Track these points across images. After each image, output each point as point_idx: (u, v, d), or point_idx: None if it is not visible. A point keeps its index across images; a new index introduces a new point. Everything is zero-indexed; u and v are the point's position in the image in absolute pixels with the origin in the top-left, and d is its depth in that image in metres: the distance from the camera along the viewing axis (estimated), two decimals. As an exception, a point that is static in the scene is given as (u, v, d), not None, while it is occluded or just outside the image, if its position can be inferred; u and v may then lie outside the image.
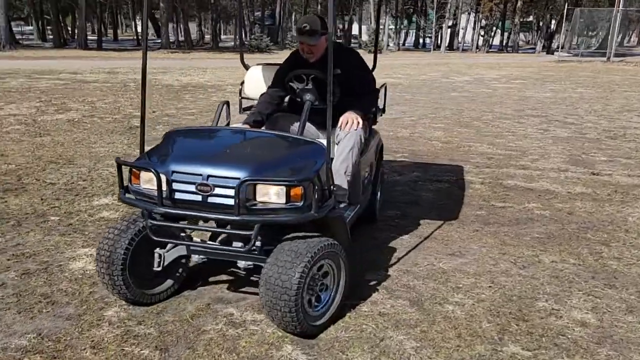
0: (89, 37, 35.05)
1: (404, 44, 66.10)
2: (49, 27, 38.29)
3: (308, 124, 3.45)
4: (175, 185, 2.45)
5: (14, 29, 33.58)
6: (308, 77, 3.08)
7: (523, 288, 3.14)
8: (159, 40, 35.67)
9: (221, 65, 21.88)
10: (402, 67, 24.98)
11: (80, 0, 29.25)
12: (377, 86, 3.87)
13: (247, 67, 4.17)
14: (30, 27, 48.13)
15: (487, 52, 48.19)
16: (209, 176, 2.40)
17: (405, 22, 65.78)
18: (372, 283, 3.14)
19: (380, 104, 4.42)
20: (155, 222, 2.50)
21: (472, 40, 51.34)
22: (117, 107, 9.79)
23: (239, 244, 2.68)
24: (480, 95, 14.00)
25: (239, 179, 2.35)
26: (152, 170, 2.42)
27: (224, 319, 2.67)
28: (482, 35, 52.17)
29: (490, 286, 3.15)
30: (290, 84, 3.25)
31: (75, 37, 31.97)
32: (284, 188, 2.40)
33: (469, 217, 4.37)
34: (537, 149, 7.10)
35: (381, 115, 4.50)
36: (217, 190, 2.40)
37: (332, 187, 2.61)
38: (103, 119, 8.51)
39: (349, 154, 3.16)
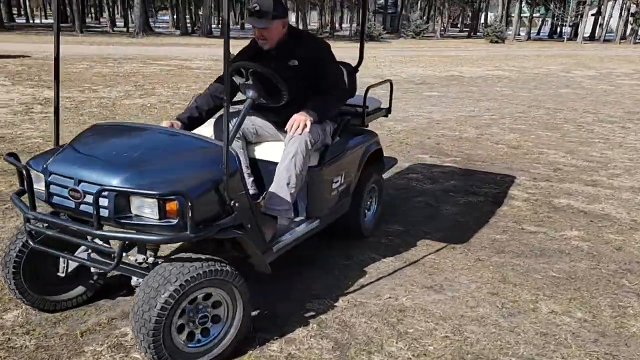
0: (215, 26, 36.80)
1: (538, 33, 61.33)
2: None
3: (267, 125, 3.08)
4: (52, 188, 2.23)
5: (160, 17, 36.28)
6: (247, 70, 2.68)
7: (489, 345, 2.50)
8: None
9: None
10: (520, 58, 23.04)
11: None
12: (380, 81, 3.41)
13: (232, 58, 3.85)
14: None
15: (635, 42, 42.88)
16: (80, 181, 2.14)
17: (542, 9, 60.82)
18: (308, 314, 2.71)
19: (384, 103, 3.91)
20: (31, 226, 2.31)
21: (617, 29, 45.98)
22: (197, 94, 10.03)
23: (135, 258, 2.40)
24: (596, 92, 12.34)
25: (100, 185, 2.07)
26: (24, 169, 2.22)
27: (114, 340, 2.42)
28: (630, 24, 46.52)
29: (447, 336, 2.55)
30: (233, 78, 2.87)
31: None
32: (155, 201, 2.07)
33: (483, 241, 3.68)
34: (625, 162, 5.95)
35: (386, 116, 3.97)
36: (88, 198, 2.13)
37: (232, 202, 2.22)
38: (174, 106, 8.73)
39: (291, 162, 2.73)
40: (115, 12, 46.69)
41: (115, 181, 2.09)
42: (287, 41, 2.96)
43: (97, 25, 43.24)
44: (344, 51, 23.63)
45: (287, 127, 2.81)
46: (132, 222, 2.11)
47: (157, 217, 2.08)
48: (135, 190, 2.05)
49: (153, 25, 40.13)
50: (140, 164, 2.18)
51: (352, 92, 3.46)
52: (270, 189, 2.76)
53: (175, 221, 2.08)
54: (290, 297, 2.85)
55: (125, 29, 35.21)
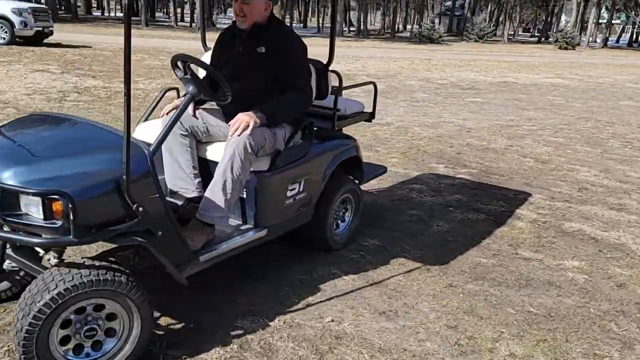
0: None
1: (617, 41, 57.87)
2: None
3: (220, 124, 2.88)
4: None
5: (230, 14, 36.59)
6: (185, 63, 2.50)
7: (421, 388, 2.19)
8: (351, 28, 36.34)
9: (396, 56, 21.42)
10: (587, 66, 21.69)
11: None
12: (360, 82, 3.12)
13: (207, 50, 3.68)
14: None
15: None
16: None
17: (623, 16, 57.27)
18: (235, 332, 2.49)
19: (368, 107, 3.63)
20: None
21: None
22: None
23: (48, 257, 2.27)
24: (660, 106, 11.33)
25: (-10, 179, 1.94)
26: None
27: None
28: None
29: (377, 373, 2.27)
30: (174, 70, 2.67)
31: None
32: (39, 200, 1.92)
33: (464, 265, 3.33)
34: (666, 185, 5.32)
35: (369, 121, 3.69)
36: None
37: (136, 205, 2.05)
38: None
39: (227, 165, 2.52)
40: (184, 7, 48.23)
41: (4, 175, 1.96)
42: (262, 26, 2.77)
43: (164, 20, 44.73)
44: (400, 52, 23.35)
45: (230, 127, 2.61)
46: (21, 221, 1.98)
47: (42, 217, 1.93)
48: (14, 187, 1.91)
49: (217, 21, 41.10)
50: (35, 159, 2.05)
51: (323, 93, 3.21)
52: (205, 194, 2.57)
53: (59, 223, 1.92)
54: (223, 312, 2.65)
55: (189, 24, 36.15)
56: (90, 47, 16.96)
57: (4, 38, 15.37)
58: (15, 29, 15.36)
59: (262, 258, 3.20)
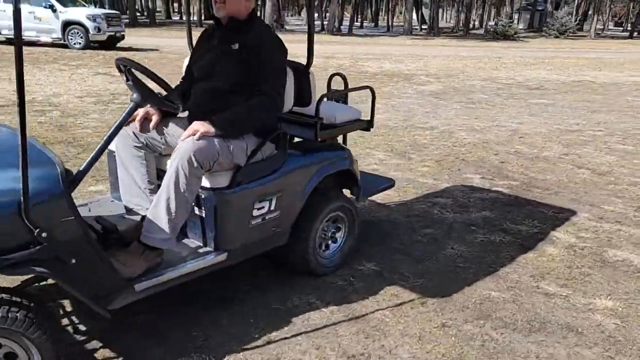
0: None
1: None
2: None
3: (181, 133, 2.60)
4: None
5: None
6: (125, 68, 2.24)
7: None
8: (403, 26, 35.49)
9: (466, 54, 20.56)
10: (681, 63, 19.61)
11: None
12: (355, 87, 2.85)
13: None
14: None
15: None
16: None
17: None
18: (173, 371, 2.21)
19: (366, 114, 3.24)
20: None
21: None
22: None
23: None
24: None
25: None
26: None
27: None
28: None
29: None
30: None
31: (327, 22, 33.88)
32: None
33: (470, 299, 2.85)
34: None
35: (367, 130, 3.30)
36: None
37: (40, 231, 1.81)
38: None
39: (170, 181, 2.24)
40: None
41: None
42: (240, 21, 2.50)
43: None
44: (470, 50, 22.49)
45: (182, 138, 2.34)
46: None
47: None
48: None
49: (289, 22, 41.53)
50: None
51: (305, 100, 2.86)
52: (148, 214, 2.31)
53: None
54: (171, 345, 2.37)
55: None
56: (157, 50, 17.50)
57: (80, 43, 16.20)
58: (89, 34, 16.15)
59: (236, 280, 2.90)
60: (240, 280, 2.92)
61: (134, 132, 2.53)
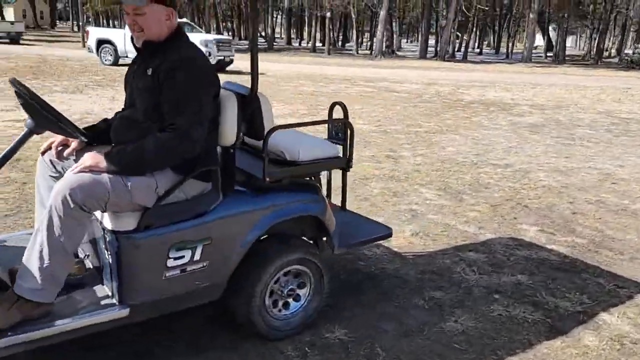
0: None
1: None
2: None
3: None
4: None
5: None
6: (20, 90, 1.98)
7: None
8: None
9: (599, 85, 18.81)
10: None
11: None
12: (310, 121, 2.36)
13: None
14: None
15: None
16: None
17: None
18: None
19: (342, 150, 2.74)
20: None
21: None
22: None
23: None
24: None
25: None
26: None
27: None
28: None
29: None
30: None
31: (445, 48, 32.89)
32: None
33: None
34: None
35: (347, 170, 2.78)
36: None
37: None
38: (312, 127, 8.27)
39: (43, 225, 1.93)
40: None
41: None
42: (156, 43, 2.18)
43: (347, 48, 46.23)
44: (594, 80, 20.71)
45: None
46: None
47: None
48: None
49: (403, 48, 41.15)
50: None
51: (258, 132, 2.42)
52: (23, 258, 2.01)
53: None
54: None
55: (369, 51, 36.72)
56: (263, 73, 18.00)
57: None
58: (200, 58, 17.11)
59: (167, 333, 2.52)
60: (175, 333, 2.53)
61: (51, 160, 2.29)
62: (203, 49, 16.60)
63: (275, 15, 57.49)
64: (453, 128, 8.88)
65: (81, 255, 2.37)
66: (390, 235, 3.02)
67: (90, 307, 2.12)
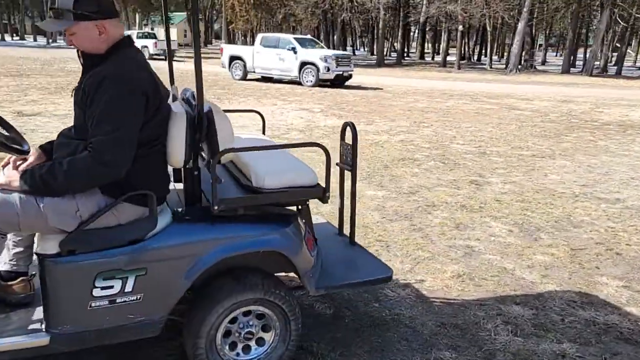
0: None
1: None
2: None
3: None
4: None
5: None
6: None
7: None
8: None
9: None
10: None
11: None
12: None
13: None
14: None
15: None
16: None
17: None
18: None
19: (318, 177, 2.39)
20: None
21: None
22: (446, 138, 8.76)
23: None
24: None
25: None
26: None
27: None
28: None
29: None
30: None
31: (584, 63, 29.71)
32: None
33: None
34: None
35: (323, 201, 2.43)
36: None
37: None
38: (410, 143, 7.83)
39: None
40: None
41: None
42: (94, 56, 2.05)
43: (481, 62, 43.89)
44: None
45: None
46: None
47: None
48: None
49: (548, 62, 38.02)
50: None
51: (213, 151, 2.17)
52: None
53: None
54: None
55: (504, 66, 34.53)
56: (380, 89, 17.79)
57: (311, 81, 17.59)
58: (319, 73, 17.39)
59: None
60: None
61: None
62: (322, 64, 16.94)
63: (413, 30, 57.01)
64: (568, 152, 7.82)
65: (32, 273, 2.31)
66: (388, 279, 2.57)
67: (18, 330, 2.03)
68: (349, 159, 2.71)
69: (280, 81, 18.39)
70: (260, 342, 2.33)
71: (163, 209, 2.20)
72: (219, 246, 2.13)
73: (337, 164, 2.92)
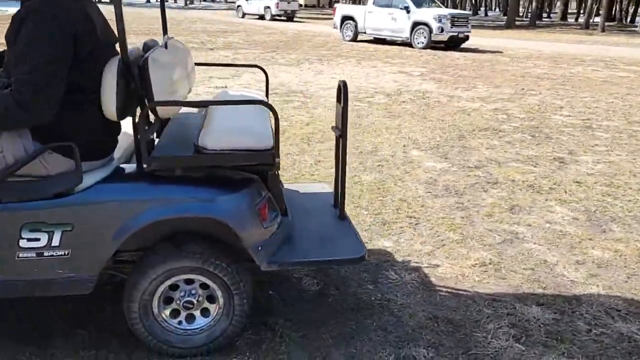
0: None
1: None
2: None
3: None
4: None
5: None
6: None
7: None
8: None
9: None
10: None
11: None
12: None
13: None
14: None
15: None
16: None
17: None
18: None
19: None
20: None
21: None
22: (551, 109, 7.76)
23: None
24: None
25: None
26: None
27: None
28: None
29: None
30: None
31: None
32: None
33: None
34: None
35: (271, 171, 2.16)
36: None
37: None
38: (492, 114, 7.08)
39: None
40: None
41: None
42: None
43: (635, 24, 38.22)
44: None
45: None
46: None
47: None
48: None
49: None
50: None
51: (113, 108, 1.95)
52: None
53: None
54: None
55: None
56: (499, 52, 16.40)
57: (422, 43, 16.71)
58: (432, 34, 16.43)
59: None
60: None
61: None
62: (435, 24, 15.99)
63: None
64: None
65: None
66: (357, 260, 2.25)
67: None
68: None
69: (392, 42, 17.70)
70: (205, 312, 2.19)
71: (107, 164, 2.10)
72: (149, 208, 1.98)
73: (331, 128, 2.62)
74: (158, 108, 1.99)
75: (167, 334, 2.15)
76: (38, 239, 1.97)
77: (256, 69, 2.94)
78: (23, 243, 1.97)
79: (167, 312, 2.16)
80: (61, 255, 1.99)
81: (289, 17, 31.24)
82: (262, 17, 30.29)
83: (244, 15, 31.34)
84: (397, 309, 2.54)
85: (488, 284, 2.79)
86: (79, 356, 2.15)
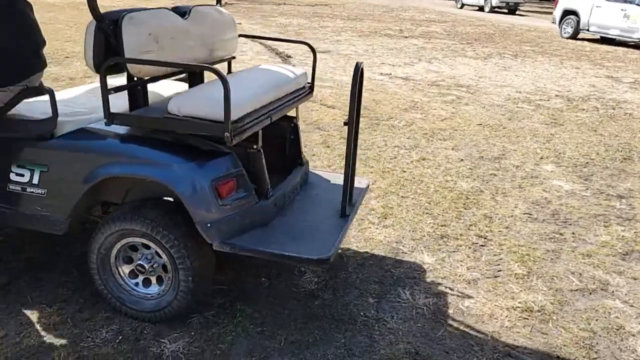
0: None
1: None
2: None
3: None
4: None
5: None
6: None
7: None
8: None
9: None
10: None
11: None
12: None
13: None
14: None
15: None
16: None
17: None
18: None
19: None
20: None
21: None
22: None
23: None
24: None
25: None
26: None
27: None
28: None
29: None
30: None
31: None
32: None
33: None
34: None
35: (220, 142, 2.01)
36: None
37: None
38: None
39: None
40: None
41: None
42: None
43: None
44: None
45: None
46: None
47: None
48: None
49: None
50: None
51: (90, 61, 1.93)
52: None
53: None
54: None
55: None
56: None
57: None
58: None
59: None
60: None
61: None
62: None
63: None
64: None
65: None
66: (315, 262, 1.96)
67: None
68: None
69: (622, 44, 15.22)
70: (160, 281, 2.15)
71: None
72: (110, 162, 2.00)
73: (343, 123, 2.31)
74: (129, 66, 1.97)
75: (121, 292, 2.17)
76: (23, 175, 2.14)
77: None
78: (12, 176, 2.16)
79: (127, 270, 2.17)
80: (39, 193, 2.14)
81: (511, 9, 28.98)
82: (481, 9, 28.72)
83: (462, 5, 30.07)
84: (380, 332, 2.17)
85: (516, 334, 2.20)
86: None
